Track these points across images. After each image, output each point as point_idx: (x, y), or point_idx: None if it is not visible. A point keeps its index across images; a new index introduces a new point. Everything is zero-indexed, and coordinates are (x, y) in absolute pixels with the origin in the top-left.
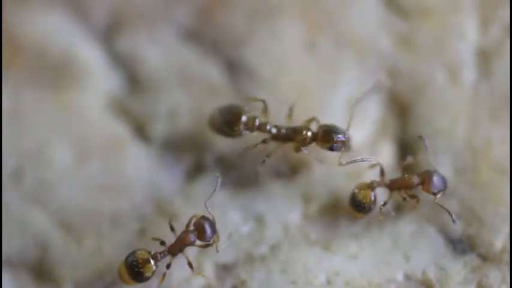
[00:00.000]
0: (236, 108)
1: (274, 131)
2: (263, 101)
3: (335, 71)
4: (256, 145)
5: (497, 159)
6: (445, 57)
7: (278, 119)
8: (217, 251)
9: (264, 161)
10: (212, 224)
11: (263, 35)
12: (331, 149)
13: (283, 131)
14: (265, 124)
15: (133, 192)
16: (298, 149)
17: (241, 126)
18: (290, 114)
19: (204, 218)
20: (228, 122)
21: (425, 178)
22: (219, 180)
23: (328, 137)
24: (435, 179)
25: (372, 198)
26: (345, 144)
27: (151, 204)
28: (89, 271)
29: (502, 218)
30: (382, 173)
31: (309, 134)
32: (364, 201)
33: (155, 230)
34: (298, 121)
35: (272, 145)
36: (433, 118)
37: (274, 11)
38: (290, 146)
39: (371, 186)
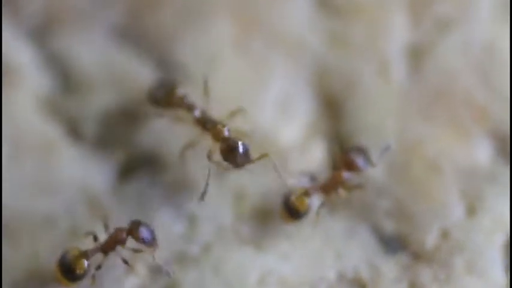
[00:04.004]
0: (173, 81)
1: (197, 114)
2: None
3: (266, 69)
4: (191, 143)
5: (429, 156)
6: (376, 54)
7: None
8: (154, 259)
9: (209, 170)
10: (149, 228)
11: (194, 34)
12: (223, 156)
13: (204, 117)
14: (193, 105)
15: (66, 192)
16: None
17: (174, 99)
18: (231, 115)
19: (141, 221)
20: (163, 92)
21: (348, 163)
22: None
23: (227, 148)
24: (355, 156)
25: (308, 205)
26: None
27: (84, 204)
28: (25, 273)
29: (433, 216)
30: (313, 179)
31: (223, 131)
32: (301, 209)
33: (88, 229)
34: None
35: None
36: (364, 115)
37: (205, 10)
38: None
39: (307, 193)
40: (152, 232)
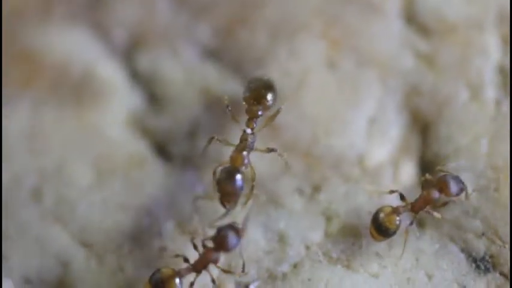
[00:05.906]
0: (272, 83)
1: (249, 131)
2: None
3: (357, 89)
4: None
5: None
6: (467, 76)
7: (302, 137)
8: (243, 271)
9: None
10: (235, 232)
11: (284, 53)
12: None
13: (247, 139)
14: (257, 119)
15: (154, 210)
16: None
17: (260, 100)
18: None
19: (223, 229)
20: (257, 87)
21: (442, 185)
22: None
23: (229, 171)
24: (451, 182)
25: (398, 223)
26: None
27: (172, 223)
28: None
29: None
30: (402, 198)
31: (243, 159)
32: (390, 227)
33: (176, 248)
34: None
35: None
36: (455, 136)
37: (295, 29)
38: None
39: (397, 211)
40: (239, 233)
